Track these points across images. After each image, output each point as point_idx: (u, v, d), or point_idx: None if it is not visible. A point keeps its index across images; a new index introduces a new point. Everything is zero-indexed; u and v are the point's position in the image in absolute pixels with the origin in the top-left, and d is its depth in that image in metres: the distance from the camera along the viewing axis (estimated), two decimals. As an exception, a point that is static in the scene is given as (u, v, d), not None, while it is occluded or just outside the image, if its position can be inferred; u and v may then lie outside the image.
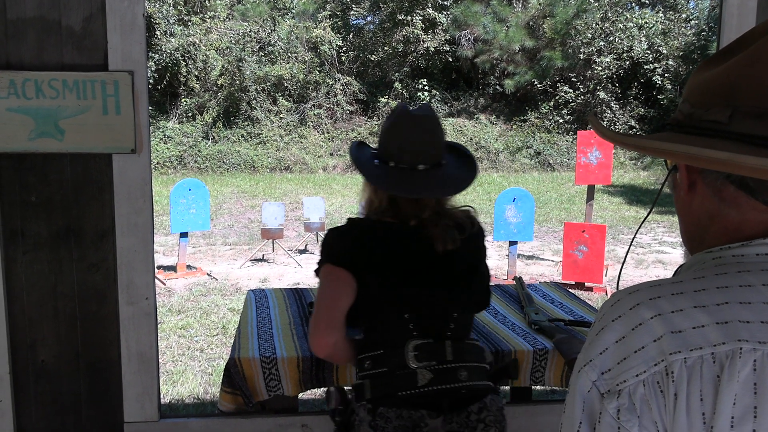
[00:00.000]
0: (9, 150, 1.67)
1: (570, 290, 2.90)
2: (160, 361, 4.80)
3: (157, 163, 16.46)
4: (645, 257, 8.41)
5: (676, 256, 8.48)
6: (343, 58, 18.83)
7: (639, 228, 1.00)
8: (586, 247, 6.69)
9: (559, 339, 1.96)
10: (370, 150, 1.78)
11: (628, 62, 17.43)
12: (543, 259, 8.35)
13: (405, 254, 1.67)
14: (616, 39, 17.35)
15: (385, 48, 18.60)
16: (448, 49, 18.24)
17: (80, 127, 1.68)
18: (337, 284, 1.63)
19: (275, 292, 2.55)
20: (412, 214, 1.66)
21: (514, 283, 2.62)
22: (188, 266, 7.44)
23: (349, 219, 1.72)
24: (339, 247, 1.66)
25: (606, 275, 6.85)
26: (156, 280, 6.96)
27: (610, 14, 17.60)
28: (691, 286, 0.76)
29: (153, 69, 16.99)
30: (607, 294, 6.53)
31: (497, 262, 8.05)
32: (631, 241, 1.07)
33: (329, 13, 18.93)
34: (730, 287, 0.74)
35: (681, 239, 0.93)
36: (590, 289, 6.67)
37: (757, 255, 0.78)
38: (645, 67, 17.43)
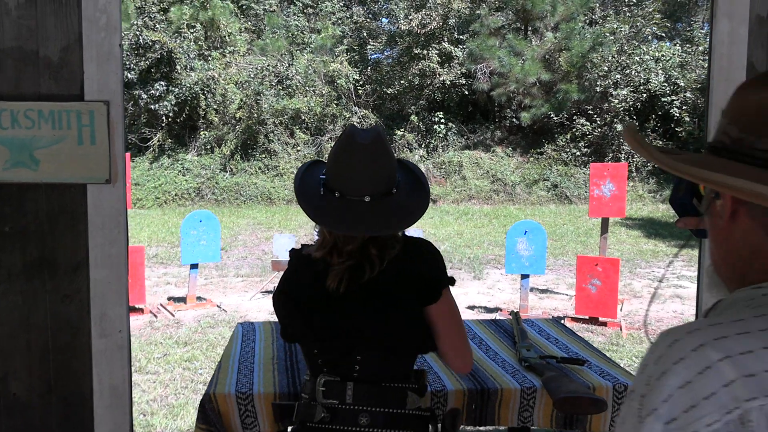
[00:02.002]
0: (-17, 180, 1.66)
1: (570, 325, 2.81)
2: (162, 393, 4.78)
3: (176, 195, 16.63)
4: (662, 291, 8.24)
5: (694, 290, 8.28)
6: (360, 91, 19.00)
7: (669, 265, 0.96)
8: (599, 281, 6.57)
9: (548, 377, 1.89)
10: (321, 172, 1.69)
11: (645, 95, 17.36)
12: (557, 293, 8.22)
13: (314, 289, 1.59)
14: (633, 72, 17.32)
15: (402, 81, 18.75)
16: (464, 82, 18.33)
17: (55, 157, 1.67)
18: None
19: (264, 325, 2.50)
20: (334, 245, 1.58)
21: (510, 318, 2.55)
22: (198, 298, 7.42)
23: (292, 249, 1.72)
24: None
25: (621, 310, 6.70)
26: (166, 311, 6.98)
27: (626, 47, 17.61)
28: (756, 325, 0.69)
29: (173, 102, 17.27)
30: (621, 329, 6.39)
31: (510, 295, 7.93)
32: (661, 280, 1.02)
33: (346, 47, 19.17)
34: None
35: (713, 268, 0.86)
36: (604, 324, 6.53)
37: None
38: (662, 99, 17.34)
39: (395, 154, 1.66)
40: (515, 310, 2.73)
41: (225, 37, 18.47)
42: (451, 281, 1.62)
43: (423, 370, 1.68)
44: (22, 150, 1.65)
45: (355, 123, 17.89)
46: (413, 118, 18.14)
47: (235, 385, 1.83)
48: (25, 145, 1.65)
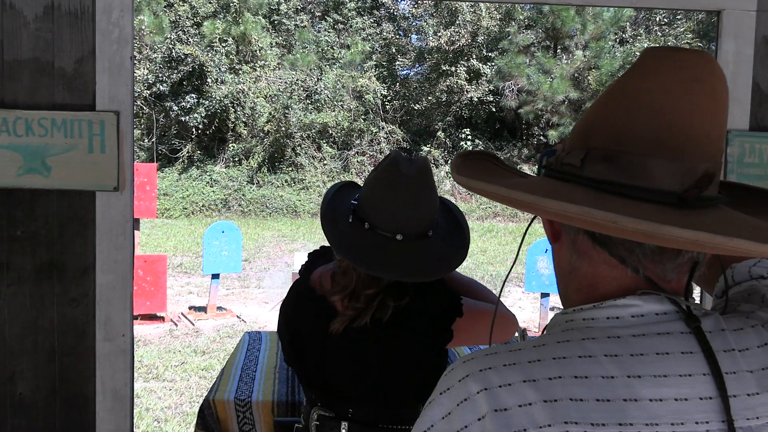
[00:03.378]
0: (-2, 185, 1.72)
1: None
2: (177, 401, 4.83)
3: (203, 206, 16.85)
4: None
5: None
6: (388, 106, 19.11)
7: (516, 259, 0.95)
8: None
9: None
10: (353, 196, 1.51)
11: (675, 115, 17.16)
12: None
13: (312, 328, 1.46)
14: (663, 91, 17.14)
15: (429, 97, 18.82)
16: (491, 99, 18.33)
17: (66, 164, 1.72)
18: None
19: (270, 335, 2.53)
20: (354, 289, 1.41)
21: (517, 336, 2.54)
22: (219, 308, 7.50)
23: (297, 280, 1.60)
24: None
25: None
26: (186, 320, 7.06)
27: (657, 67, 17.44)
28: (527, 356, 0.67)
29: (203, 115, 17.55)
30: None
31: (530, 314, 7.86)
32: (512, 266, 1.01)
33: (375, 63, 19.32)
34: (568, 358, 0.65)
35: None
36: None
37: (608, 319, 0.69)
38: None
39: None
40: (523, 328, 2.71)
41: (256, 51, 18.74)
42: (458, 310, 1.44)
43: None
44: (35, 157, 1.71)
45: (381, 138, 18.00)
46: (440, 134, 18.17)
47: (234, 392, 1.85)
48: (38, 152, 1.71)
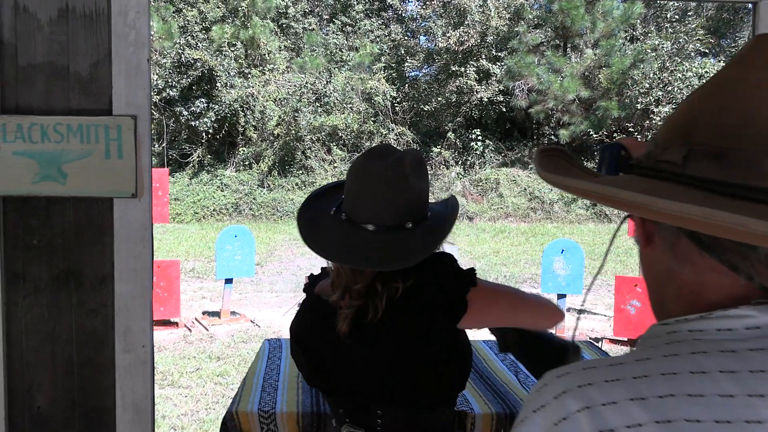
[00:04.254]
0: (14, 193, 1.68)
1: (608, 347, 2.72)
2: (194, 408, 4.79)
3: (214, 210, 16.86)
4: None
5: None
6: (397, 108, 19.06)
7: (597, 274, 0.89)
8: (638, 302, 6.40)
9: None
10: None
11: (688, 112, 17.00)
12: (595, 314, 8.03)
13: (322, 335, 1.42)
14: (675, 89, 17.01)
15: (439, 98, 18.76)
16: (501, 99, 18.25)
17: (82, 170, 1.67)
18: None
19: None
20: (346, 285, 1.38)
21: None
22: (232, 312, 7.46)
23: (306, 284, 1.58)
24: None
25: (661, 332, 6.50)
26: (200, 326, 7.02)
27: (668, 64, 17.32)
28: (632, 371, 0.61)
29: (213, 119, 17.57)
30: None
31: (546, 315, 7.78)
32: (600, 267, 0.94)
33: (384, 65, 19.28)
34: (678, 374, 0.60)
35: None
36: (643, 346, 6.34)
37: (718, 331, 0.63)
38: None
39: (432, 171, 1.43)
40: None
41: (265, 55, 18.75)
42: (471, 279, 1.38)
43: (465, 413, 1.55)
44: (51, 164, 1.66)
45: (392, 140, 17.94)
46: (450, 135, 18.10)
47: (258, 403, 1.80)
48: (54, 158, 1.66)
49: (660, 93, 17.08)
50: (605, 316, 7.82)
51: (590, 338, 6.76)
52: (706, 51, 18.51)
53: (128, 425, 1.73)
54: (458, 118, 18.57)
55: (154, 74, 17.66)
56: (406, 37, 20.48)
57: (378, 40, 19.89)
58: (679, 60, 17.58)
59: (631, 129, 17.38)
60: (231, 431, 1.73)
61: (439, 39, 18.82)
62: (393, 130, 18.33)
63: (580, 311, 8.04)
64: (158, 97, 17.80)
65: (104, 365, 1.74)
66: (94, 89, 1.68)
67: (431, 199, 1.48)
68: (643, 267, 0.74)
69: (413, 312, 1.36)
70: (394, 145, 16.16)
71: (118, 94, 1.67)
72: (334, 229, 1.40)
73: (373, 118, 18.41)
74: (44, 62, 1.67)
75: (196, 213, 16.77)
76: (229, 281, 7.27)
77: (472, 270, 1.42)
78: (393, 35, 20.16)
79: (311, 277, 1.60)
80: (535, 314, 1.46)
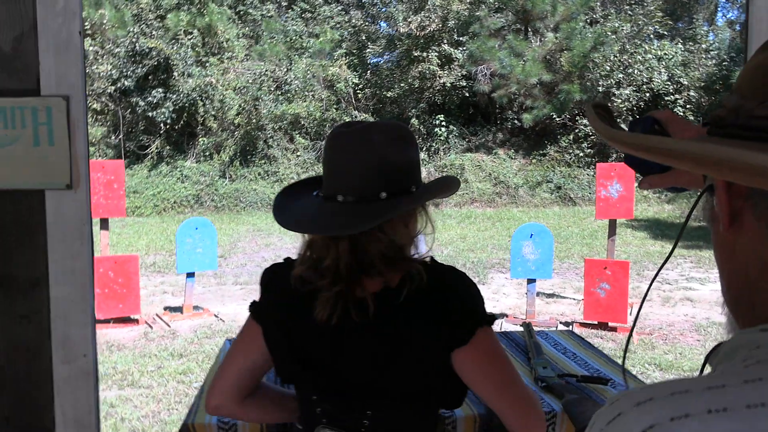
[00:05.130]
0: (-73, 187, 1.46)
1: (578, 331, 2.61)
2: (155, 409, 4.58)
3: (174, 202, 16.46)
4: (672, 294, 8.03)
5: (705, 292, 8.08)
6: (360, 95, 18.83)
7: (662, 267, 0.75)
8: (608, 285, 6.36)
9: (568, 400, 1.68)
10: None
11: (648, 94, 17.17)
12: (564, 297, 8.01)
13: (304, 319, 1.28)
14: (635, 71, 17.14)
15: (402, 84, 18.57)
16: (464, 84, 18.15)
17: (8, 159, 1.47)
18: (240, 340, 1.42)
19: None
20: (327, 266, 1.25)
21: (522, 329, 2.35)
22: (195, 307, 7.22)
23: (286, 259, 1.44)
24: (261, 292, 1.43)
25: (630, 314, 6.50)
26: (161, 322, 6.78)
27: (628, 46, 17.42)
28: (741, 398, 0.46)
29: (171, 109, 17.12)
30: (632, 335, 6.18)
31: (516, 300, 7.73)
32: (651, 282, 0.79)
33: (345, 51, 19.01)
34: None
35: (723, 300, 0.61)
36: (614, 329, 6.32)
37: None
38: (666, 98, 17.15)
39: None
40: (527, 321, 2.52)
41: (223, 43, 18.32)
42: (490, 320, 1.29)
43: (440, 418, 1.40)
44: (-29, 152, 1.45)
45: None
46: (414, 121, 17.96)
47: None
48: (-26, 146, 1.45)
49: (621, 75, 17.19)
50: (574, 299, 7.80)
51: (560, 322, 6.72)
52: (665, 33, 18.68)
53: (71, 445, 1.54)
54: (421, 104, 18.43)
55: (107, 64, 17.12)
56: (366, 23, 20.21)
57: (338, 26, 19.58)
58: (638, 42, 17.70)
59: (592, 112, 17.44)
60: (188, 446, 1.56)
61: (400, 24, 18.61)
62: (356, 117, 18.10)
63: (549, 295, 8.01)
64: (113, 87, 17.26)
65: (40, 378, 1.55)
66: (19, 66, 1.47)
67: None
68: (721, 254, 0.58)
69: (422, 316, 1.25)
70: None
71: (46, 71, 1.46)
72: (307, 206, 1.33)
73: (335, 106, 18.16)
74: (-41, 36, 1.46)
75: (156, 206, 16.35)
76: (191, 275, 7.03)
77: (492, 314, 1.32)
78: (353, 21, 19.88)
79: (271, 268, 1.44)
80: (518, 409, 1.28)
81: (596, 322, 6.39)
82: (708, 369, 0.57)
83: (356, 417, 1.29)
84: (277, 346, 1.34)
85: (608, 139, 0.58)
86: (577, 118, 17.56)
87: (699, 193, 0.60)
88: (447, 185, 1.36)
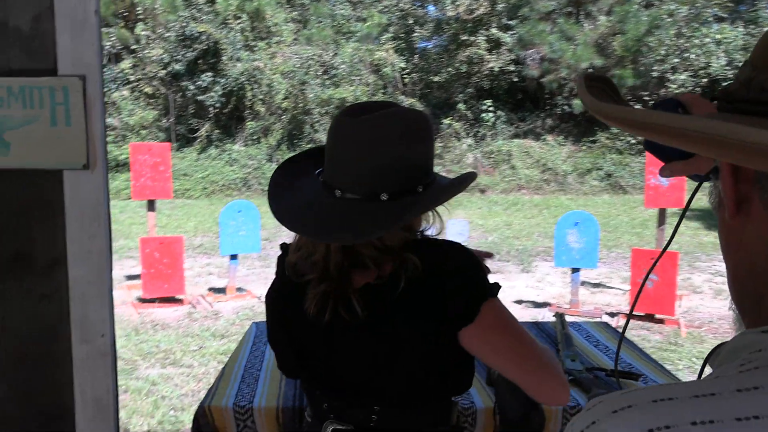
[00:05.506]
0: (-50, 166, 1.48)
1: (623, 322, 2.52)
2: (195, 388, 4.65)
3: (223, 185, 16.70)
4: (724, 287, 7.74)
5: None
6: (407, 80, 18.72)
7: (664, 250, 0.68)
8: (656, 276, 6.16)
9: (595, 395, 1.61)
10: None
11: (705, 79, 16.55)
12: (611, 288, 7.82)
13: (302, 315, 1.20)
14: (692, 55, 16.53)
15: (449, 69, 18.38)
16: (513, 69, 17.84)
17: (27, 139, 1.47)
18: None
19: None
20: (315, 260, 1.19)
21: (555, 320, 2.27)
22: (238, 289, 7.32)
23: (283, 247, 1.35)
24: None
25: (679, 306, 6.29)
26: (205, 303, 6.89)
27: (684, 30, 16.80)
28: (731, 410, 0.40)
29: (220, 93, 17.34)
30: (680, 327, 5.98)
31: (560, 289, 7.58)
32: (650, 271, 0.73)
33: (392, 35, 18.89)
34: (762, 418, 0.39)
35: (729, 291, 0.56)
36: (661, 321, 6.13)
37: None
38: (724, 84, 16.48)
39: (441, 143, 1.17)
40: (560, 312, 2.44)
41: (271, 27, 18.41)
42: (493, 290, 1.20)
43: (454, 403, 1.31)
44: (-9, 132, 1.46)
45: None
46: (461, 106, 17.76)
47: (234, 397, 1.62)
48: (-6, 126, 1.46)
49: (676, 60, 16.61)
50: (621, 290, 7.61)
51: (606, 313, 6.56)
52: (725, 16, 17.94)
53: (90, 423, 1.55)
54: (469, 89, 18.21)
55: (159, 48, 17.42)
56: (414, 7, 20.03)
57: (386, 10, 19.46)
58: (696, 26, 17.05)
59: (646, 98, 16.94)
60: (203, 428, 1.55)
61: (448, 8, 18.37)
62: (402, 102, 18.01)
63: (595, 285, 7.83)
64: (164, 71, 17.57)
65: (61, 358, 1.56)
66: (37, 46, 1.47)
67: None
68: (727, 244, 0.53)
69: (419, 302, 1.17)
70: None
71: (63, 51, 1.46)
72: (304, 193, 1.22)
73: (381, 90, 18.10)
74: (-20, 16, 1.46)
75: (205, 188, 16.62)
76: (234, 257, 7.12)
77: (496, 284, 1.22)
78: (401, 5, 19.72)
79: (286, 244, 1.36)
80: (538, 377, 1.19)
81: (642, 314, 6.21)
82: (708, 371, 0.51)
83: (363, 412, 1.24)
84: (277, 339, 1.30)
85: (595, 112, 0.52)
86: (630, 104, 17.05)
87: (700, 178, 0.54)
88: (459, 186, 1.22)
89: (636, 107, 0.49)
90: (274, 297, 1.32)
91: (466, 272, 1.19)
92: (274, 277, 1.33)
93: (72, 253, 1.51)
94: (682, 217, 0.66)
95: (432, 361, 1.20)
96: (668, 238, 0.71)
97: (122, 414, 4.18)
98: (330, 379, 1.26)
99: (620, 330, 2.26)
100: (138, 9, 17.71)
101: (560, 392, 1.19)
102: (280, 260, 1.30)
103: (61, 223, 1.52)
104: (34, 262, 1.53)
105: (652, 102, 0.84)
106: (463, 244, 1.24)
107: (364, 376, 1.23)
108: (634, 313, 6.23)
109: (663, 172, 0.84)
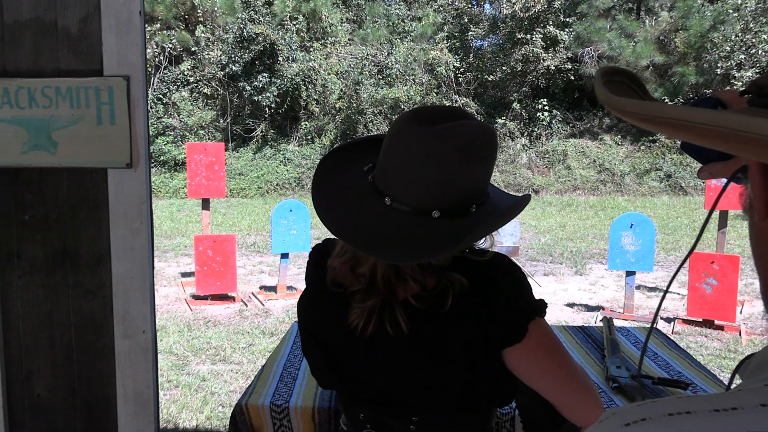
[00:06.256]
0: (2, 164, 1.53)
1: (680, 328, 2.43)
2: (243, 385, 4.72)
3: (277, 185, 16.95)
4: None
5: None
6: (461, 79, 18.59)
7: (682, 264, 0.64)
8: (715, 281, 5.94)
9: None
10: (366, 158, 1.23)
11: (773, 76, 15.86)
12: (668, 292, 7.56)
13: (336, 325, 1.19)
14: (760, 51, 15.87)
15: (504, 68, 18.17)
16: (570, 67, 17.50)
17: (73, 138, 1.51)
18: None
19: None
20: (362, 273, 1.15)
21: (602, 324, 2.21)
22: (289, 287, 7.40)
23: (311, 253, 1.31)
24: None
25: (740, 312, 6.05)
26: (256, 300, 7.00)
27: (751, 25, 16.15)
28: (752, 426, 0.37)
29: (275, 94, 17.59)
30: (740, 335, 5.75)
31: (614, 293, 7.38)
32: (675, 274, 0.69)
33: (447, 34, 18.80)
34: None
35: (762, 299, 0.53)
36: (720, 327, 5.91)
37: None
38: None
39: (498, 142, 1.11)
40: (607, 317, 2.37)
41: (326, 27, 18.58)
42: (540, 309, 1.18)
43: (494, 411, 1.27)
44: (40, 131, 1.51)
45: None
46: (516, 105, 17.54)
47: (271, 396, 1.62)
48: (43, 125, 1.51)
49: (742, 56, 15.98)
50: (678, 294, 7.36)
51: (661, 318, 6.36)
52: (795, 10, 17.17)
53: (131, 417, 1.58)
54: (524, 88, 17.95)
55: (217, 50, 17.80)
56: (469, 5, 19.88)
57: (441, 9, 19.39)
58: (764, 20, 16.36)
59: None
60: (240, 426, 1.56)
61: (504, 6, 18.17)
62: (456, 101, 17.90)
63: (651, 289, 7.61)
64: (222, 72, 17.94)
65: (105, 352, 1.60)
66: (84, 47, 1.51)
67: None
68: (757, 248, 0.51)
69: (466, 318, 1.14)
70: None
71: (108, 52, 1.49)
72: (353, 186, 1.17)
73: (435, 90, 18.03)
74: (30, 19, 1.51)
75: (260, 188, 16.90)
76: (285, 256, 7.20)
77: (542, 302, 1.19)
78: (456, 3, 19.61)
79: (319, 247, 1.32)
80: (577, 400, 1.17)
81: (701, 320, 5.99)
82: (738, 381, 0.48)
83: (401, 423, 1.21)
84: (309, 350, 1.27)
85: (610, 107, 0.49)
86: (660, 101, 16.53)
87: (727, 179, 0.51)
88: (515, 211, 1.17)
89: (657, 103, 0.45)
90: (306, 307, 1.28)
91: (512, 288, 1.16)
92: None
93: (115, 249, 1.55)
94: (708, 217, 0.62)
95: (475, 377, 1.17)
96: (694, 240, 0.67)
97: (172, 409, 4.27)
98: (367, 389, 1.23)
99: (673, 337, 2.18)
100: (198, 11, 18.14)
101: (596, 414, 1.17)
102: (318, 263, 1.27)
103: (105, 221, 1.55)
104: (80, 258, 1.58)
105: (691, 101, 0.78)
106: (510, 258, 1.20)
107: (404, 388, 1.20)
108: (690, 318, 6.03)
109: (701, 174, 0.80)
